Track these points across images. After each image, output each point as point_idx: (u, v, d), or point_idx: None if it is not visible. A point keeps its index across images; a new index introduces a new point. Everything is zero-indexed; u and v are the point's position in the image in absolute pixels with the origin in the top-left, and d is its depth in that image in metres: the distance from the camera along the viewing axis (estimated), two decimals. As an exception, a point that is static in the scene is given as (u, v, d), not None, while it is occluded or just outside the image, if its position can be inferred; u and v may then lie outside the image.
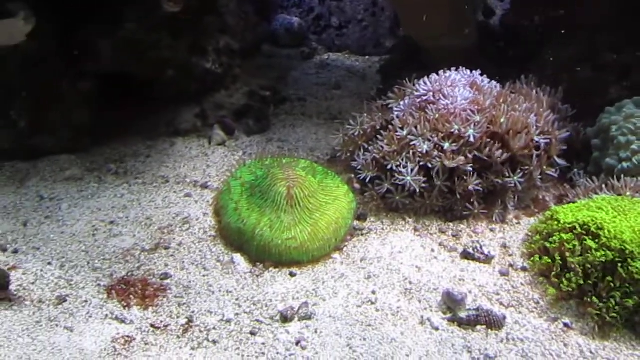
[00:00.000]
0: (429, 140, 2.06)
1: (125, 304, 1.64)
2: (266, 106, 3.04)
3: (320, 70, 3.71)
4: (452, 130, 2.05)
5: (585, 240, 1.68)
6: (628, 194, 1.91)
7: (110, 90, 2.44)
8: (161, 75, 2.57)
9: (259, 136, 2.82)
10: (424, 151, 2.04)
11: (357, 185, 2.20)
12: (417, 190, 2.03)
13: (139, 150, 2.64)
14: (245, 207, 1.97)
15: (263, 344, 1.51)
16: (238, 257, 1.88)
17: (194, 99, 2.80)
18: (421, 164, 2.04)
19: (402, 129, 2.14)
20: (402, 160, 2.07)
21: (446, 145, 2.04)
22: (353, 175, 2.22)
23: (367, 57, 3.89)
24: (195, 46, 2.68)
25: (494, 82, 2.28)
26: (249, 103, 2.99)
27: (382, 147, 2.14)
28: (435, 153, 2.03)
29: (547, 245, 1.78)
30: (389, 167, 2.09)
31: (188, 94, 2.76)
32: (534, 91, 2.24)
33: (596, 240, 1.67)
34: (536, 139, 2.05)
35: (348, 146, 2.34)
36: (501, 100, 2.15)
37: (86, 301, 1.65)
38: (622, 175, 1.98)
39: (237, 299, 1.69)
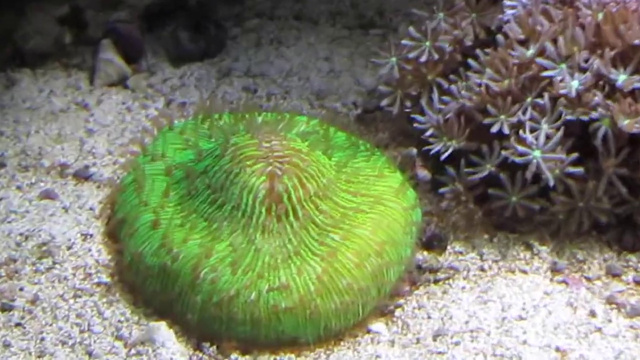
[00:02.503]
0: (583, 69, 2.09)
1: None
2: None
3: None
4: (636, 44, 2.06)
5: None
6: None
7: None
8: None
9: (201, 65, 2.90)
10: (573, 94, 2.07)
11: (423, 173, 2.25)
12: (553, 183, 2.05)
13: (-62, 99, 2.65)
14: (176, 220, 2.01)
15: None
16: (162, 331, 1.91)
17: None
18: (567, 118, 2.06)
19: (524, 43, 2.18)
20: (525, 114, 2.11)
21: (621, 79, 2.07)
22: (415, 150, 2.28)
23: None
24: None
25: None
26: (178, -8, 3.03)
27: (479, 84, 2.18)
28: (597, 99, 2.07)
29: None
30: (495, 129, 2.13)
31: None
32: None
33: None
34: None
35: (403, 86, 2.39)
36: None
37: None
38: None
39: None
